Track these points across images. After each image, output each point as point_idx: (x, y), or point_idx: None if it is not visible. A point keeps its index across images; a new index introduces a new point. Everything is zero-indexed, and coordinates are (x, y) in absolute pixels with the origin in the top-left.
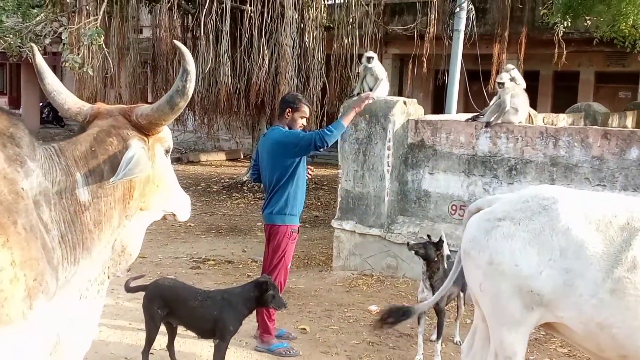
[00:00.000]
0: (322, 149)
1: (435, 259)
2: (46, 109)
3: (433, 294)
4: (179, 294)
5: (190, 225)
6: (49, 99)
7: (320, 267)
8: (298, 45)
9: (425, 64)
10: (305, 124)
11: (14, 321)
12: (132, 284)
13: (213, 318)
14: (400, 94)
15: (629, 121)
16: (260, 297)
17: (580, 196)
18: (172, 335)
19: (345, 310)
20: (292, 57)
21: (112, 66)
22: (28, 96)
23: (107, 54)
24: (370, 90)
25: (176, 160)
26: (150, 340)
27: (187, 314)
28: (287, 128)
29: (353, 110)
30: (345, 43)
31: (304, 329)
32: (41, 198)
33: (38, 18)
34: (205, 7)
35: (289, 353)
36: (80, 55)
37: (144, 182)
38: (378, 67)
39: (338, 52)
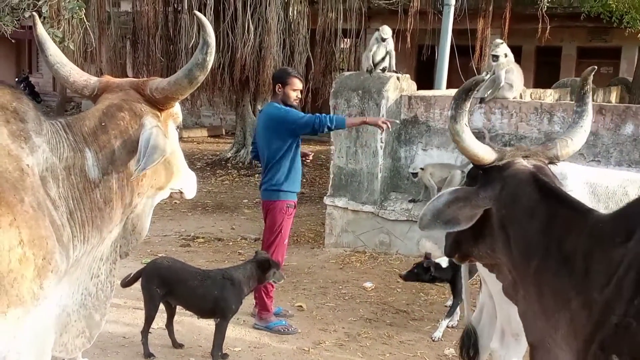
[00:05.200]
0: (317, 133)
1: (432, 275)
2: (22, 85)
3: (454, 293)
4: (178, 274)
5: (175, 203)
6: (52, 72)
7: (310, 244)
8: (283, 20)
9: (409, 39)
10: (299, 96)
11: (25, 302)
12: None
13: (214, 298)
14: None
15: (613, 96)
16: (263, 274)
17: (589, 172)
18: (171, 314)
19: (340, 287)
20: (277, 32)
21: (93, 40)
22: (3, 72)
23: (88, 28)
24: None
25: None
26: (149, 320)
27: (186, 293)
28: (281, 104)
29: (362, 120)
30: (329, 18)
31: (300, 306)
32: (48, 174)
33: None
34: None
35: (288, 330)
36: (60, 30)
37: None
38: (391, 43)
39: (323, 26)
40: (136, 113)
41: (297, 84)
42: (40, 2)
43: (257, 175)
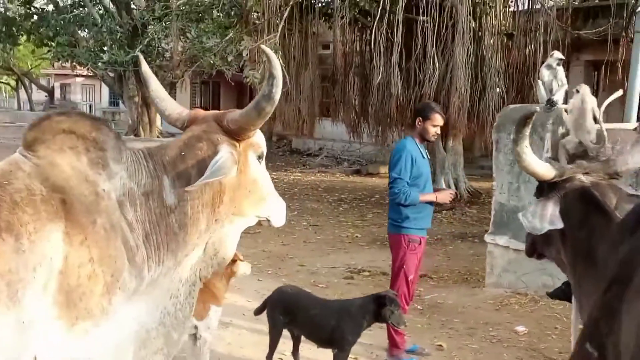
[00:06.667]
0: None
1: None
2: None
3: None
4: (300, 302)
5: (357, 236)
6: (153, 105)
7: (473, 283)
8: (473, 54)
9: (620, 70)
10: (438, 132)
11: (94, 315)
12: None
13: (331, 327)
14: None
15: None
16: (378, 311)
17: None
18: (296, 341)
19: (490, 329)
20: (465, 67)
21: (288, 80)
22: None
23: (284, 69)
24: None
25: (355, 172)
26: (272, 346)
27: (306, 322)
28: (418, 138)
29: (434, 197)
30: (527, 50)
31: (441, 345)
32: (125, 199)
33: (227, 37)
34: (376, 19)
35: None
36: (260, 71)
37: (234, 187)
38: (561, 71)
39: (518, 59)
40: (213, 143)
41: (439, 119)
42: (241, 48)
43: (445, 211)
